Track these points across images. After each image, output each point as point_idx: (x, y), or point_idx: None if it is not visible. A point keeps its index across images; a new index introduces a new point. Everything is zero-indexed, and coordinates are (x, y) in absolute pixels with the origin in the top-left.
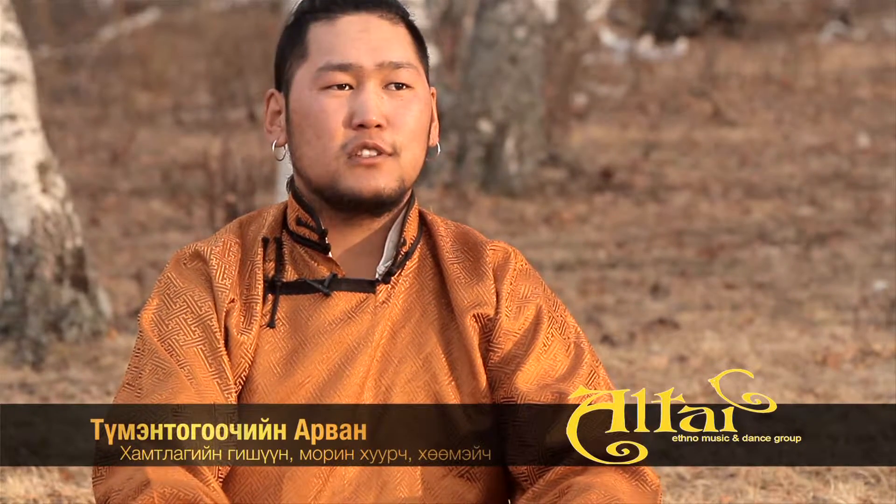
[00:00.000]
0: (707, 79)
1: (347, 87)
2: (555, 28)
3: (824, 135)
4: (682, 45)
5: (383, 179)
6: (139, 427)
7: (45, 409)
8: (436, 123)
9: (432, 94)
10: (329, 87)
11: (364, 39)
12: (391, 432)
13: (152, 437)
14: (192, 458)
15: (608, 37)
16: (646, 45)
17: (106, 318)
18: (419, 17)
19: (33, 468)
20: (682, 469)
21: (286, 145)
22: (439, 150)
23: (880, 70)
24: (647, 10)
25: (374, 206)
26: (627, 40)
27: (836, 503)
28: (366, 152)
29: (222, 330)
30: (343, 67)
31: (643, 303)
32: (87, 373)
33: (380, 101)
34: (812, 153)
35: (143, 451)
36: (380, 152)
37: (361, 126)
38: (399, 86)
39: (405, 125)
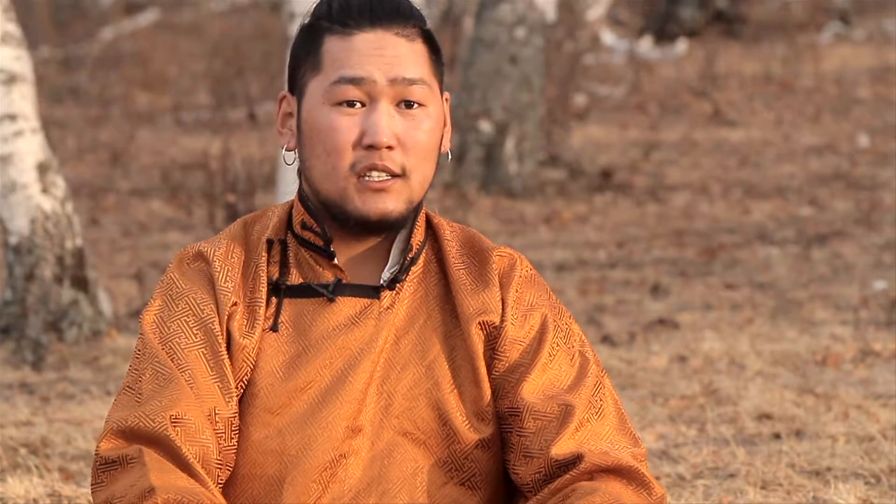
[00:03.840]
0: (707, 79)
1: (359, 105)
2: (555, 28)
3: (824, 135)
4: (682, 45)
5: (392, 202)
6: (139, 434)
7: (45, 409)
8: (448, 129)
9: (446, 98)
10: (341, 103)
11: (378, 55)
12: (392, 439)
13: (152, 445)
14: (192, 465)
15: (608, 37)
16: (646, 45)
17: (106, 318)
18: None
19: (33, 468)
20: (682, 469)
21: (296, 151)
22: (450, 156)
23: (880, 70)
24: (647, 10)
25: (381, 228)
26: (627, 40)
27: (836, 503)
28: (375, 174)
29: (224, 333)
30: (356, 81)
31: (643, 303)
32: (87, 373)
33: (391, 120)
34: (812, 153)
35: (144, 457)
36: (389, 174)
37: (371, 147)
38: (411, 104)
39: (416, 145)
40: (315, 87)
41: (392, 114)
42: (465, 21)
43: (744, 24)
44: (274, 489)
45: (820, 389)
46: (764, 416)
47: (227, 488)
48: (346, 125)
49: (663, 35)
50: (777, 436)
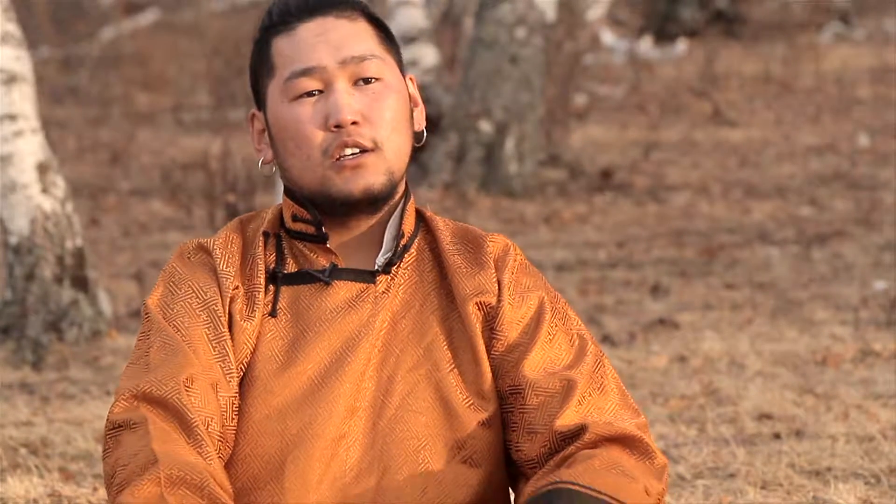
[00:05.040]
0: (707, 79)
1: (317, 93)
2: (555, 28)
3: (824, 135)
4: (682, 45)
5: (371, 176)
6: (150, 398)
7: (45, 409)
8: (420, 108)
9: (411, 79)
10: (299, 96)
11: (323, 41)
12: (393, 419)
13: (161, 408)
14: (198, 431)
15: (608, 37)
16: (646, 45)
17: (106, 318)
18: (419, 18)
19: (33, 468)
20: (682, 469)
21: (274, 162)
22: (426, 134)
23: (880, 70)
24: (647, 10)
25: (367, 203)
26: (627, 40)
27: (836, 503)
28: (348, 151)
29: (226, 315)
30: (307, 72)
31: (643, 303)
32: (87, 373)
33: (351, 98)
34: (812, 153)
35: (148, 424)
36: (362, 149)
37: (338, 126)
38: (368, 80)
39: (381, 118)
40: (273, 90)
41: (351, 91)
42: (465, 21)
43: (744, 24)
44: (275, 469)
45: (820, 389)
46: (764, 416)
47: (228, 468)
48: (309, 114)
49: (663, 35)
50: (777, 436)
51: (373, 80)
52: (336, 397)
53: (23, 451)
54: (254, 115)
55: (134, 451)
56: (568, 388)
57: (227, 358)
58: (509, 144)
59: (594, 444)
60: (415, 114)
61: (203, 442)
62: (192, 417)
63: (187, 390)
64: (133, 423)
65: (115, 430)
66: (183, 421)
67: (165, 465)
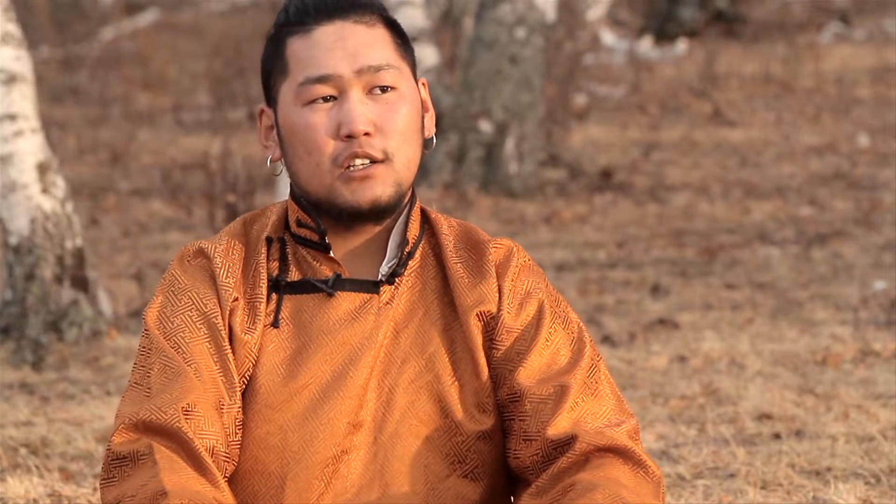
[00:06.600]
0: (707, 79)
1: (331, 99)
2: (555, 28)
3: (824, 135)
4: (682, 45)
5: (379, 188)
6: (151, 427)
7: (45, 409)
8: (431, 113)
9: (423, 84)
10: (313, 101)
11: (340, 48)
12: (394, 434)
13: (164, 437)
14: (203, 458)
15: (608, 37)
16: (646, 45)
17: (106, 318)
18: (419, 18)
19: (33, 468)
20: (682, 469)
21: (282, 160)
22: (435, 141)
23: (880, 70)
24: (647, 10)
25: (374, 215)
26: (627, 40)
27: (836, 503)
28: (358, 162)
29: (227, 328)
30: (323, 79)
31: (643, 303)
32: (87, 373)
33: (364, 107)
34: (812, 153)
35: (155, 455)
36: (372, 160)
37: (350, 136)
38: (384, 88)
39: (394, 129)
40: (286, 91)
41: (365, 101)
42: (465, 21)
43: (744, 24)
44: (276, 486)
45: (820, 389)
46: (764, 416)
47: (229, 484)
48: (322, 121)
49: (663, 35)
50: (777, 436)
51: (388, 89)
52: (337, 413)
53: (23, 451)
54: (262, 110)
55: (142, 482)
56: (561, 394)
57: (229, 372)
58: (509, 144)
59: (585, 456)
60: (425, 120)
61: (208, 469)
62: (196, 445)
63: (188, 416)
64: (141, 456)
65: (120, 461)
66: (187, 448)
67: (176, 495)
